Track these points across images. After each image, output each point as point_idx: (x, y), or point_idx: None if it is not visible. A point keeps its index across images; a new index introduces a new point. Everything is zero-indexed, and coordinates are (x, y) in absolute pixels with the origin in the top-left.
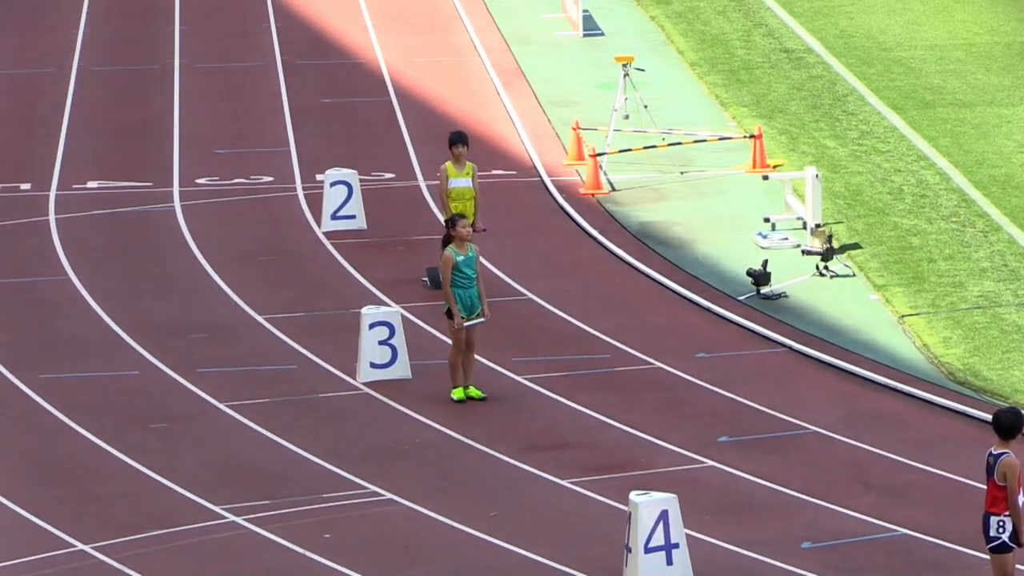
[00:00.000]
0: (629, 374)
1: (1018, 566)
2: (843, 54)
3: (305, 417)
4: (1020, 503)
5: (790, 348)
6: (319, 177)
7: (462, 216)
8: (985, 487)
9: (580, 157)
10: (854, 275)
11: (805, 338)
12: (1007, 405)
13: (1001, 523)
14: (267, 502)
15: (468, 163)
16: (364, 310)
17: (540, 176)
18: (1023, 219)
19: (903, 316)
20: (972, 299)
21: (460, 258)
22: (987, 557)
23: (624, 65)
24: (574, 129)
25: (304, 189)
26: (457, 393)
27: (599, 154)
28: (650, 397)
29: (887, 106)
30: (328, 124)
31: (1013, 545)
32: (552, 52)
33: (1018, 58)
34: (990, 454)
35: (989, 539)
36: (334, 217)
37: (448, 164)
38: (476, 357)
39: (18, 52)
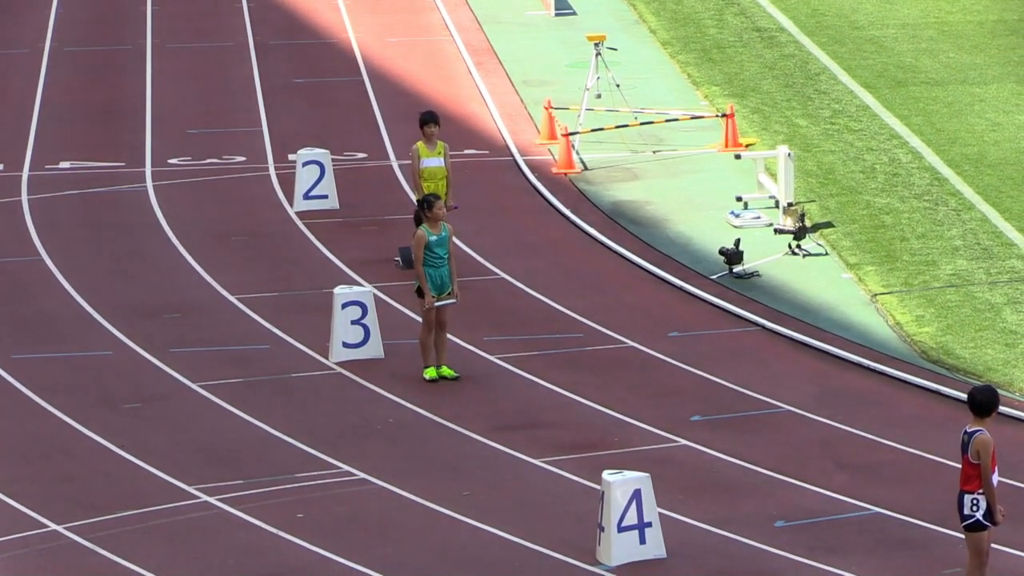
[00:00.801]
0: (602, 353)
1: (992, 544)
2: (815, 33)
3: (278, 397)
4: (994, 481)
5: (763, 327)
6: (291, 157)
7: (436, 196)
8: (959, 465)
9: (552, 136)
10: (827, 254)
11: (778, 317)
12: (981, 383)
13: (975, 501)
14: (240, 482)
15: (439, 142)
16: (336, 290)
17: (512, 155)
18: (996, 197)
19: (876, 295)
20: (945, 277)
21: (432, 237)
22: (961, 535)
23: (596, 44)
24: (546, 108)
25: (276, 169)
26: (429, 372)
27: (571, 133)
28: (623, 376)
29: (859, 85)
30: (300, 104)
31: (987, 523)
32: (524, 31)
33: (990, 36)
34: (965, 432)
35: (963, 517)
36: (306, 197)
37: (419, 144)
38: (448, 336)
39: None
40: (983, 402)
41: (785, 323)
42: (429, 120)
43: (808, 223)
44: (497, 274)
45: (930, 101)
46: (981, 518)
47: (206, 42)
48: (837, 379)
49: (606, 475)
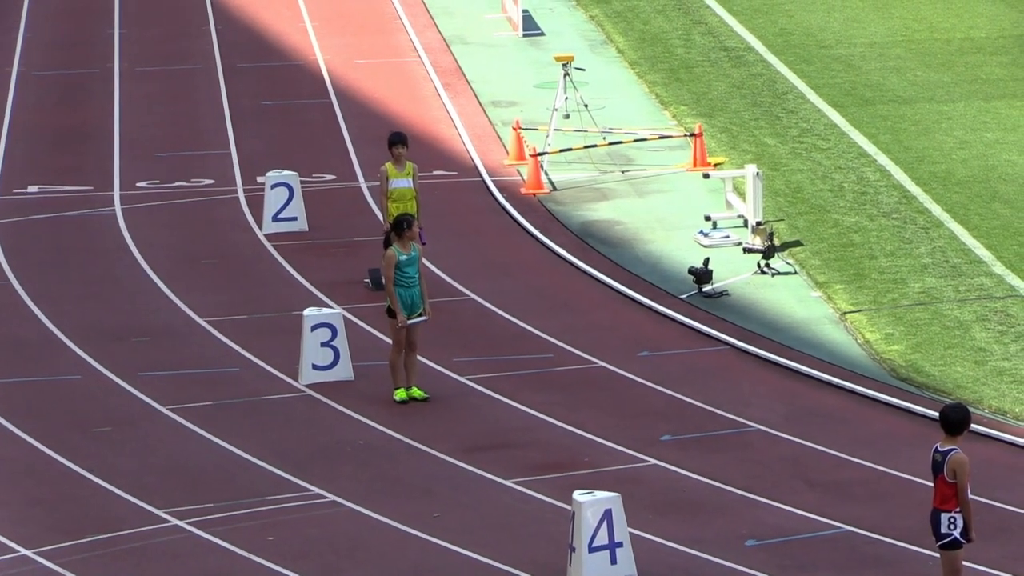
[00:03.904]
0: (572, 373)
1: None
2: (783, 52)
3: (248, 419)
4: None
5: (732, 346)
6: (260, 179)
7: (412, 216)
8: (930, 484)
9: (521, 157)
10: (796, 272)
11: (747, 336)
12: (952, 401)
13: (952, 519)
14: (210, 505)
15: (408, 163)
16: (306, 312)
17: (481, 176)
18: (964, 215)
19: (845, 313)
20: (913, 295)
21: (403, 257)
22: (930, 552)
23: (564, 64)
24: (515, 129)
25: (245, 191)
26: (399, 394)
27: (540, 153)
28: (593, 396)
29: (827, 103)
30: (269, 126)
31: (963, 541)
32: (492, 52)
33: (957, 54)
34: (936, 451)
35: (940, 536)
36: (275, 219)
37: (388, 165)
38: (419, 357)
39: None
40: (956, 420)
41: (754, 342)
42: (398, 141)
43: (777, 242)
44: (466, 295)
45: (898, 119)
46: (958, 536)
47: (174, 65)
48: (806, 397)
49: (577, 495)
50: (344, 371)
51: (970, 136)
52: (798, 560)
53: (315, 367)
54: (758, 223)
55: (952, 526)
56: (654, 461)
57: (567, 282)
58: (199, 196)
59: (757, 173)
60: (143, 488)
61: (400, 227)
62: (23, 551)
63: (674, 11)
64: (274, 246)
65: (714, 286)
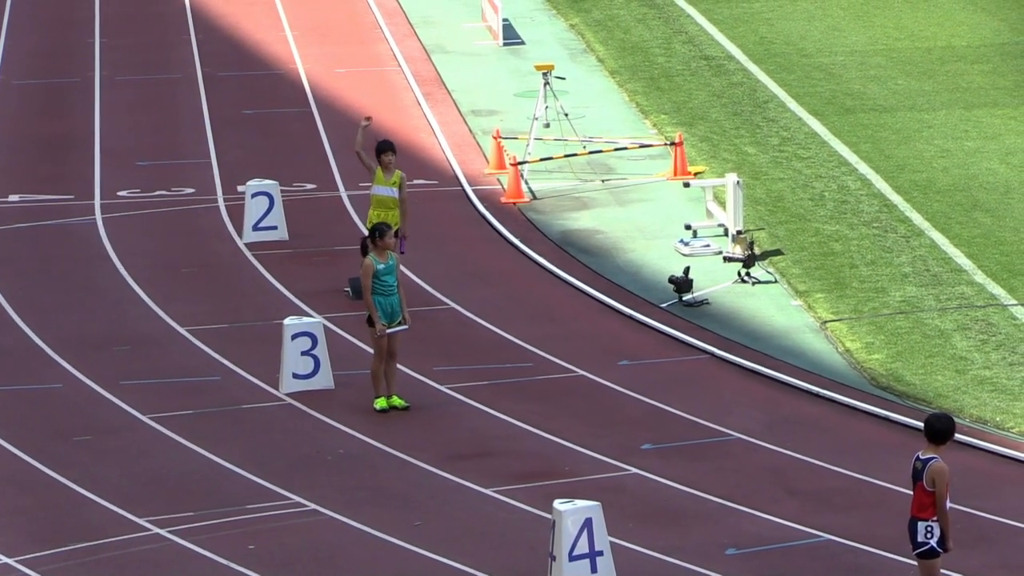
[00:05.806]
0: (552, 382)
1: (943, 571)
2: (763, 60)
3: (228, 428)
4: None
5: (712, 355)
6: (240, 188)
7: (388, 225)
8: (910, 492)
9: (501, 166)
10: (776, 281)
11: (727, 345)
12: (936, 410)
13: (929, 528)
14: (191, 514)
15: (397, 172)
16: (286, 321)
17: (461, 185)
18: (945, 224)
19: (825, 322)
20: (894, 304)
21: (380, 266)
22: (910, 562)
23: (544, 73)
24: (495, 138)
25: (225, 200)
26: (380, 403)
27: (520, 163)
28: (573, 405)
29: (808, 112)
30: (249, 135)
31: (940, 550)
32: (472, 61)
33: (938, 63)
34: (917, 459)
35: (917, 544)
36: (256, 228)
37: (379, 169)
38: (399, 366)
39: None
40: (940, 430)
41: (735, 351)
42: (387, 149)
43: (757, 251)
44: (447, 304)
45: (879, 128)
46: (935, 545)
47: (155, 74)
48: (787, 406)
49: (557, 504)
50: (324, 380)
51: (951, 145)
52: (778, 569)
53: (295, 376)
54: (738, 232)
55: (929, 535)
56: (634, 470)
57: (547, 291)
58: (180, 205)
59: (737, 182)
60: (124, 497)
61: (375, 235)
62: (4, 559)
63: (654, 20)
64: (254, 255)
65: (694, 295)
